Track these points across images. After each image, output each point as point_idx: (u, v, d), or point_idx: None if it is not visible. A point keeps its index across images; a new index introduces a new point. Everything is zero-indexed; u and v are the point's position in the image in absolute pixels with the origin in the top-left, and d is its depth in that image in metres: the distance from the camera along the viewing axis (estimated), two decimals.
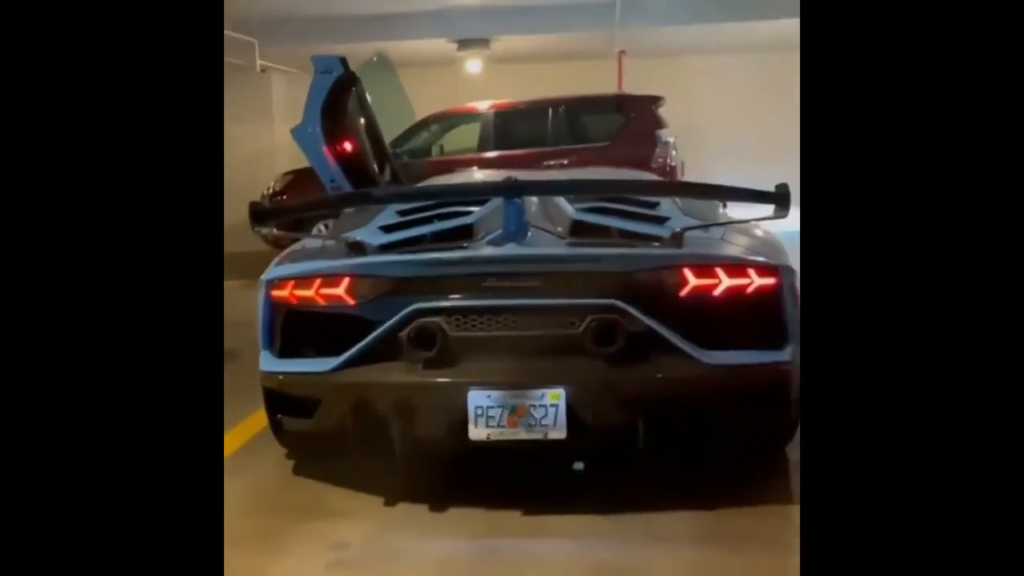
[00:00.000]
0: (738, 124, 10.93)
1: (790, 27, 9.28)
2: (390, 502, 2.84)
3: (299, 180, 8.50)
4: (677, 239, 2.74)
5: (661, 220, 2.99)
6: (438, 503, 2.80)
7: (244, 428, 3.68)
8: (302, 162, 8.77)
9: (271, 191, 8.82)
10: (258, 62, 8.87)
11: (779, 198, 2.77)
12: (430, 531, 2.68)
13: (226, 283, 7.75)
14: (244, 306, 6.99)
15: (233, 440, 3.54)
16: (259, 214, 2.96)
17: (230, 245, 11.14)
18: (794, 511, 2.75)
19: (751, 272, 2.72)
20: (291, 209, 3.49)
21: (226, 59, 8.68)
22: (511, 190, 2.87)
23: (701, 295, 2.69)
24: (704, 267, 2.69)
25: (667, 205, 3.15)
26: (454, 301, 2.71)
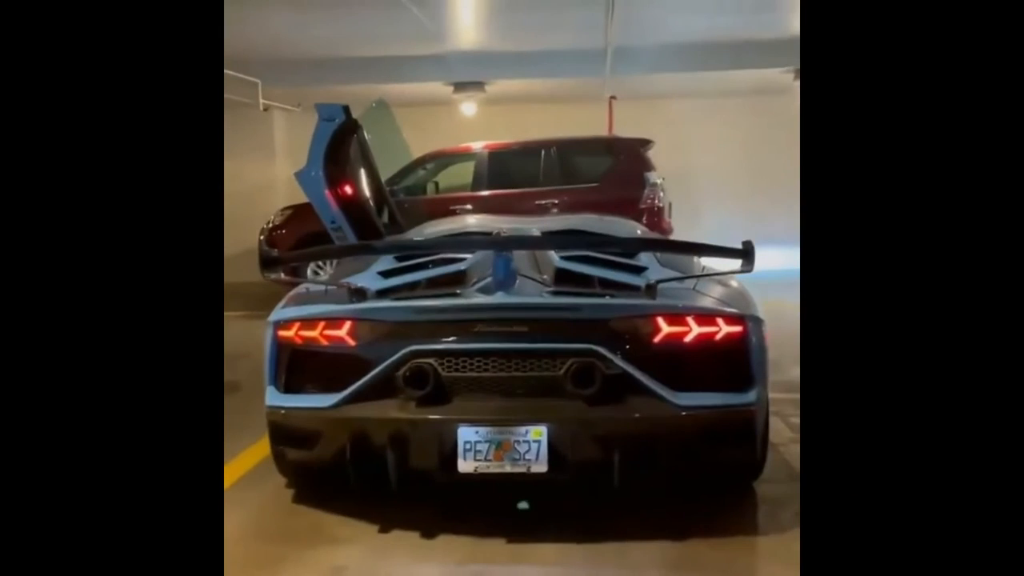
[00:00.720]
0: (724, 166, 11.20)
1: (775, 75, 9.64)
2: (384, 529, 3.04)
3: (298, 215, 8.74)
4: (651, 290, 2.99)
5: (639, 270, 3.24)
6: (428, 531, 3.00)
7: (245, 458, 3.87)
8: (301, 197, 9.03)
9: (271, 224, 9.04)
10: (261, 101, 9.14)
11: (745, 254, 3.03)
12: (421, 556, 2.88)
13: (226, 314, 7.90)
14: (244, 338, 7.21)
15: (234, 470, 3.73)
16: (268, 261, 3.19)
17: (231, 276, 11.32)
18: (759, 541, 2.98)
19: (719, 321, 2.95)
20: (299, 257, 3.72)
21: (231, 97, 8.97)
22: (501, 244, 3.12)
23: (673, 342, 2.92)
24: (676, 316, 2.93)
25: (645, 256, 3.40)
26: (447, 344, 2.93)
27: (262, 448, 3.89)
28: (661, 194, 8.50)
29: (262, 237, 9.11)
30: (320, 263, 7.00)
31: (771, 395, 4.61)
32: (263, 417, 3.29)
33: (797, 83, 10.27)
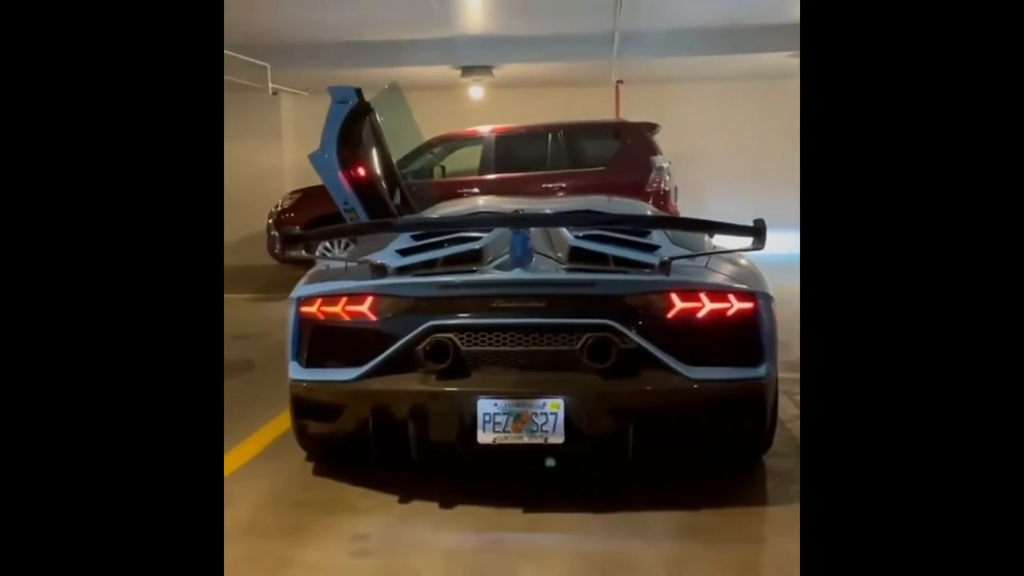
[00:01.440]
0: (731, 149, 11.25)
1: (781, 59, 9.67)
2: (403, 500, 3.14)
3: (306, 198, 8.84)
4: (665, 267, 3.06)
5: (652, 248, 3.31)
6: (446, 502, 3.10)
7: (263, 433, 3.97)
8: (309, 181, 9.11)
9: (280, 208, 9.12)
10: (270, 85, 9.20)
11: (756, 231, 3.10)
12: (440, 525, 2.97)
13: (236, 296, 8.11)
14: (254, 318, 7.31)
15: (254, 444, 3.83)
16: (290, 239, 3.27)
17: (241, 259, 11.49)
18: (768, 511, 3.07)
19: (731, 297, 3.03)
20: (320, 235, 3.81)
21: (240, 81, 9.03)
22: (519, 222, 3.19)
23: (686, 317, 3.01)
24: (689, 292, 3.01)
25: (657, 234, 3.47)
26: (466, 319, 3.02)
27: (279, 423, 4.00)
28: (667, 178, 8.56)
29: (271, 220, 9.20)
30: (329, 244, 7.08)
31: (784, 374, 4.72)
32: (278, 393, 3.38)
33: None
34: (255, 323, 7.13)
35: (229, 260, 12.07)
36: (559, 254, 3.33)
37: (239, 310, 7.92)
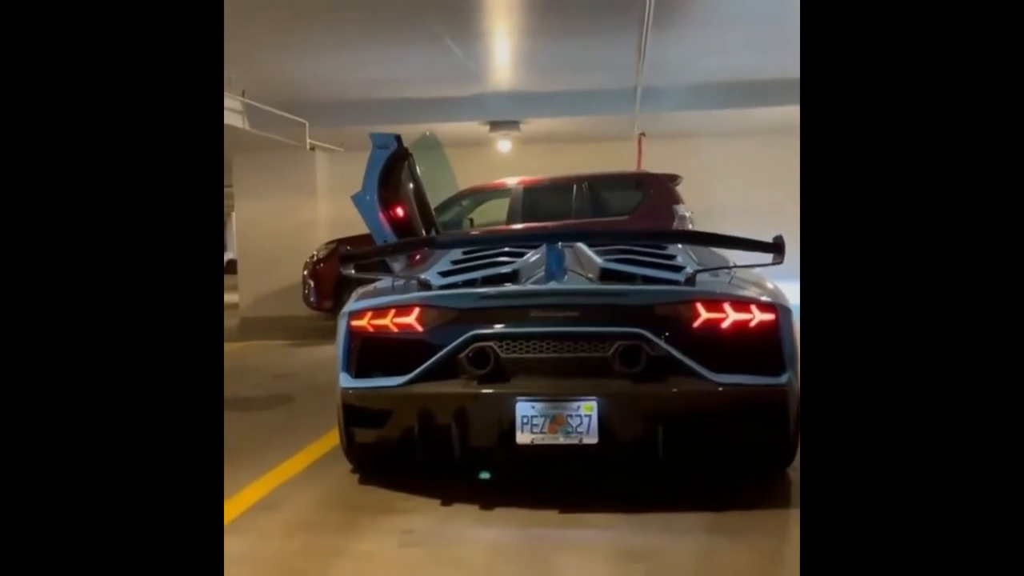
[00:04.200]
0: (748, 200, 11.51)
1: (796, 111, 9.98)
2: (445, 503, 3.33)
3: (340, 247, 9.17)
4: (690, 280, 3.29)
5: (677, 268, 3.55)
6: (487, 503, 3.29)
7: (308, 452, 4.20)
8: (341, 232, 9.47)
9: (315, 258, 9.47)
10: (308, 141, 9.65)
11: (776, 247, 3.34)
12: (482, 523, 3.16)
13: (274, 342, 8.59)
14: (291, 361, 7.72)
15: (299, 462, 4.05)
16: (345, 258, 3.55)
17: (278, 310, 11.98)
18: (790, 513, 3.22)
19: (753, 308, 3.25)
20: (368, 254, 4.09)
21: (279, 138, 9.50)
22: (555, 237, 3.46)
23: (711, 326, 3.22)
24: (714, 303, 3.23)
25: (682, 257, 3.71)
26: (505, 328, 3.25)
27: (323, 444, 4.24)
28: (690, 226, 8.81)
29: (306, 272, 9.55)
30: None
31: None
32: (318, 419, 3.57)
33: None
34: (292, 364, 7.45)
35: (267, 311, 12.48)
36: (590, 275, 3.57)
37: (277, 354, 8.24)
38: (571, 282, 3.38)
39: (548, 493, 3.38)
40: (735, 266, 3.59)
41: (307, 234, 11.05)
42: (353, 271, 3.62)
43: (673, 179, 9.10)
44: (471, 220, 9.23)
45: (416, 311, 3.34)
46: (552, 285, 3.33)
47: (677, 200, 8.88)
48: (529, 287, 3.35)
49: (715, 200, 10.99)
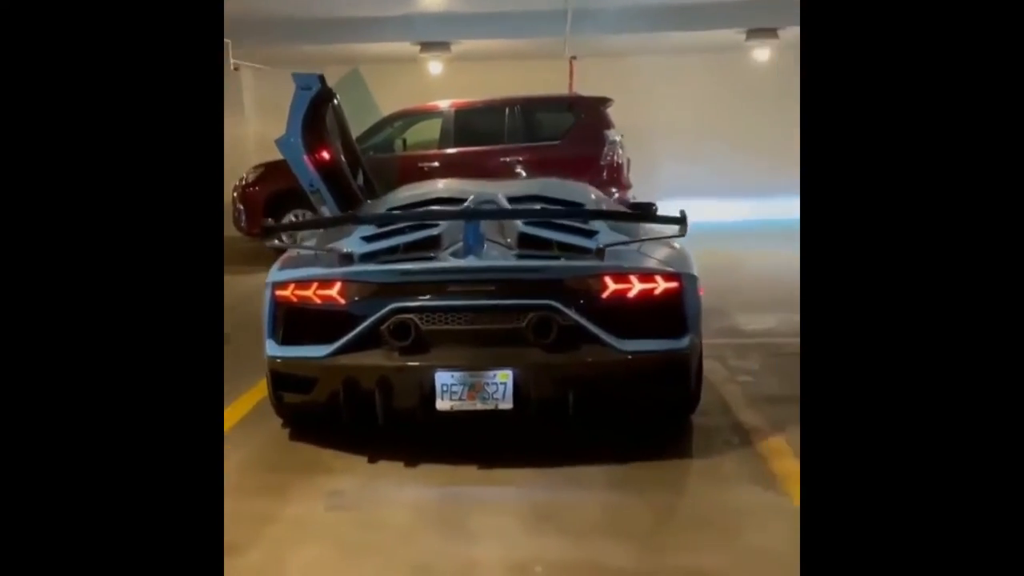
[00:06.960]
0: (680, 122, 11.64)
1: (727, 34, 10.02)
2: (372, 460, 3.54)
3: (269, 172, 9.06)
4: (600, 253, 3.47)
5: (591, 233, 3.71)
6: (411, 461, 3.51)
7: (241, 403, 4.33)
8: (271, 154, 9.31)
9: (244, 181, 9.32)
10: (232, 60, 9.35)
11: (680, 220, 3.53)
12: (405, 481, 3.38)
13: None
14: (224, 292, 7.66)
15: (233, 413, 4.18)
16: (269, 231, 3.61)
17: None
18: (692, 463, 3.52)
19: (658, 278, 3.45)
20: (293, 227, 4.14)
21: None
22: (470, 215, 3.58)
23: (618, 297, 3.42)
24: (621, 275, 3.43)
25: (597, 221, 3.87)
26: (425, 302, 3.40)
27: (256, 394, 4.37)
28: (620, 151, 8.92)
29: (235, 194, 9.39)
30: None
31: (718, 340, 5.20)
32: (255, 366, 3.70)
33: (748, 43, 10.70)
34: (225, 296, 7.43)
35: None
36: (508, 239, 3.71)
37: None
38: (488, 257, 3.52)
39: (467, 450, 3.61)
40: (646, 239, 3.76)
41: (235, 156, 10.82)
42: (276, 241, 3.69)
43: (604, 102, 9.17)
44: (404, 141, 9.17)
45: (338, 285, 3.46)
46: (470, 260, 3.47)
47: (608, 124, 8.97)
48: (447, 264, 3.48)
49: (646, 122, 11.07)
